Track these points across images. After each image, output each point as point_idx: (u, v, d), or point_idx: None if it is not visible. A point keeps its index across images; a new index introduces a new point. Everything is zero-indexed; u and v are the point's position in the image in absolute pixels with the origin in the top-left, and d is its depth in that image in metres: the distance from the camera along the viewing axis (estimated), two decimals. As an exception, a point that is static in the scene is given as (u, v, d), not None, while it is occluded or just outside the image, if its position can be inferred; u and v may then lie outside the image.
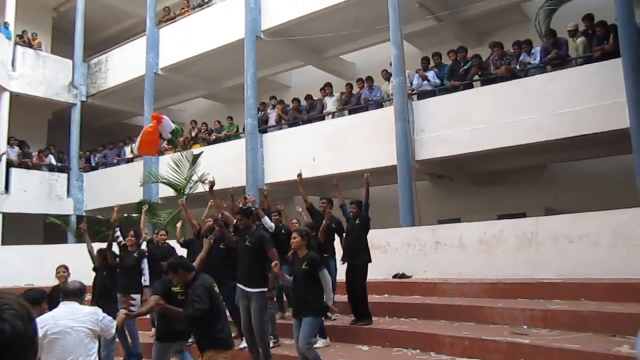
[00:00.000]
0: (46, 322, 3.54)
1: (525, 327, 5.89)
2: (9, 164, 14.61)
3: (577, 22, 9.26)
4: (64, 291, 3.95)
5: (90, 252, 7.28)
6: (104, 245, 7.41)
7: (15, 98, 14.79)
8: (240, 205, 7.50)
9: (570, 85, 8.62)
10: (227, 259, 6.94)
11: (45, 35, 17.11)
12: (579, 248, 7.18)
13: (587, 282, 6.59)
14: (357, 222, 7.07)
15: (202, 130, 14.36)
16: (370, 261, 7.00)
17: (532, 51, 9.32)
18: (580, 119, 8.39)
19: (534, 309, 6.10)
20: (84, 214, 15.89)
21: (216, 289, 4.45)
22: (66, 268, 6.71)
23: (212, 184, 6.87)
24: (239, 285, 6.06)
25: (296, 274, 5.44)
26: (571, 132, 8.50)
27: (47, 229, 15.37)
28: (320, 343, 6.31)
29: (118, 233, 7.55)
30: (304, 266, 5.30)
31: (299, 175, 7.63)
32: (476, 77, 9.95)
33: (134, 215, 12.17)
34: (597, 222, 7.18)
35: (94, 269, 7.19)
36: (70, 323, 3.64)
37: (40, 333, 3.30)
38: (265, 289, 5.92)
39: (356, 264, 6.92)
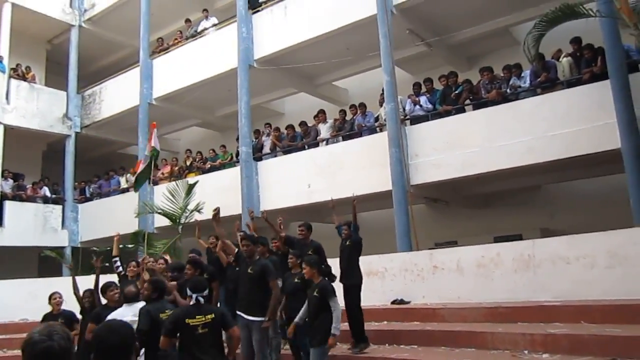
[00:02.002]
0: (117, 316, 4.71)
1: (526, 352, 5.86)
2: (3, 197, 14.55)
3: (561, 47, 9.44)
4: (125, 296, 5.23)
5: (97, 286, 6.79)
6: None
7: (9, 131, 14.81)
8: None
9: (561, 107, 8.71)
10: None
11: (39, 68, 17.22)
12: (576, 270, 7.17)
13: (586, 305, 6.59)
14: (347, 243, 7.17)
15: (197, 159, 14.39)
16: (360, 282, 6.98)
17: (522, 75, 9.46)
18: (572, 141, 8.46)
19: (534, 334, 6.07)
20: (79, 245, 15.81)
21: (164, 316, 4.73)
22: (60, 295, 6.85)
23: (216, 211, 6.46)
24: (239, 313, 6.01)
25: (309, 301, 5.54)
26: (563, 153, 8.57)
27: (42, 262, 15.24)
28: None
29: (118, 263, 7.48)
30: (315, 293, 5.37)
31: (263, 213, 7.67)
32: (467, 101, 10.06)
33: (129, 245, 12.10)
34: (593, 244, 7.19)
35: (82, 312, 6.81)
36: (130, 318, 4.58)
37: None
38: (266, 318, 5.86)
39: (348, 285, 6.93)
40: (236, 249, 6.30)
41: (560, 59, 9.27)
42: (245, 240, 6.10)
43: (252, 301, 5.86)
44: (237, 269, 6.53)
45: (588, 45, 8.91)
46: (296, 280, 6.16)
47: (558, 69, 9.18)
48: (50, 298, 6.96)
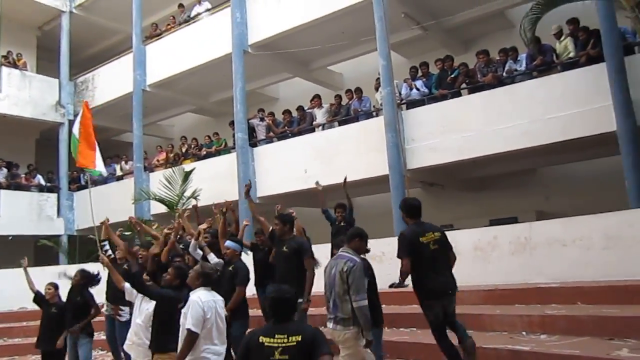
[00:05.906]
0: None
1: (524, 333, 5.94)
2: (-2, 186, 14.49)
3: (560, 25, 9.37)
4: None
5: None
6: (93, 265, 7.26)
7: (1, 119, 14.71)
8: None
9: (557, 90, 8.72)
10: None
11: (30, 55, 17.05)
12: (573, 252, 7.24)
13: (582, 286, 6.65)
14: (342, 224, 7.38)
15: (192, 146, 14.34)
16: None
17: (518, 58, 9.44)
18: (568, 124, 8.49)
19: (531, 315, 6.15)
20: (75, 233, 15.79)
21: None
22: (53, 285, 6.96)
23: (249, 186, 7.02)
24: None
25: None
26: (560, 136, 8.60)
27: (38, 251, 15.22)
28: None
29: (107, 247, 7.50)
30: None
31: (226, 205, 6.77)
32: (464, 85, 10.05)
33: (126, 233, 12.09)
34: (589, 226, 7.27)
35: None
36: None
37: None
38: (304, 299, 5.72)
39: None
40: (270, 227, 6.23)
41: (562, 39, 9.15)
42: (277, 219, 5.99)
43: (289, 280, 5.59)
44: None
45: (583, 27, 8.89)
46: None
47: (559, 49, 9.12)
48: (46, 289, 7.05)
